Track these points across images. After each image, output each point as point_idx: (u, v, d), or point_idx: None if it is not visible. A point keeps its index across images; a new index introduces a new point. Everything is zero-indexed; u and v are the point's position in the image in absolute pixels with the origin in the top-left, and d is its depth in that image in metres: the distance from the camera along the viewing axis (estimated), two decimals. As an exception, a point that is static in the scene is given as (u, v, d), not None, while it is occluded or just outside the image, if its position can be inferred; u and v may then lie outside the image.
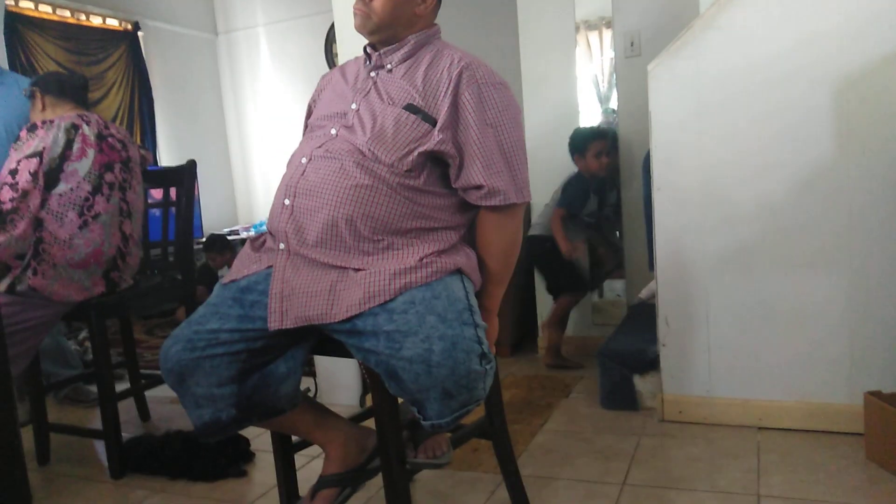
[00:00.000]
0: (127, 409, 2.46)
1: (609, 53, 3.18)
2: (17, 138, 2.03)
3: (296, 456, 1.62)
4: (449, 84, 1.36)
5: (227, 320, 1.36)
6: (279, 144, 5.78)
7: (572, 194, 2.84)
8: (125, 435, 2.13)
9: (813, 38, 1.91)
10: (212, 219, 5.55)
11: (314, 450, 1.68)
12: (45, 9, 4.65)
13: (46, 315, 1.97)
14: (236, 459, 2.06)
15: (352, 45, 2.25)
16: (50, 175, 1.94)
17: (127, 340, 2.50)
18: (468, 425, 1.60)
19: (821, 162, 1.94)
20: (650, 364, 2.26)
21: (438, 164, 1.39)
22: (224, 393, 1.36)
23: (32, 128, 2.03)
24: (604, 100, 4.30)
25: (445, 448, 1.53)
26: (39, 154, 1.93)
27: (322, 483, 1.52)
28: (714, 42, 2.02)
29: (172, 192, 2.43)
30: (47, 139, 1.96)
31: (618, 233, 3.09)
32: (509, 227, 1.43)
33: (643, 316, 2.53)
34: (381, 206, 1.34)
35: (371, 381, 1.35)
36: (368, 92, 1.44)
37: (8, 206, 1.89)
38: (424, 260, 1.32)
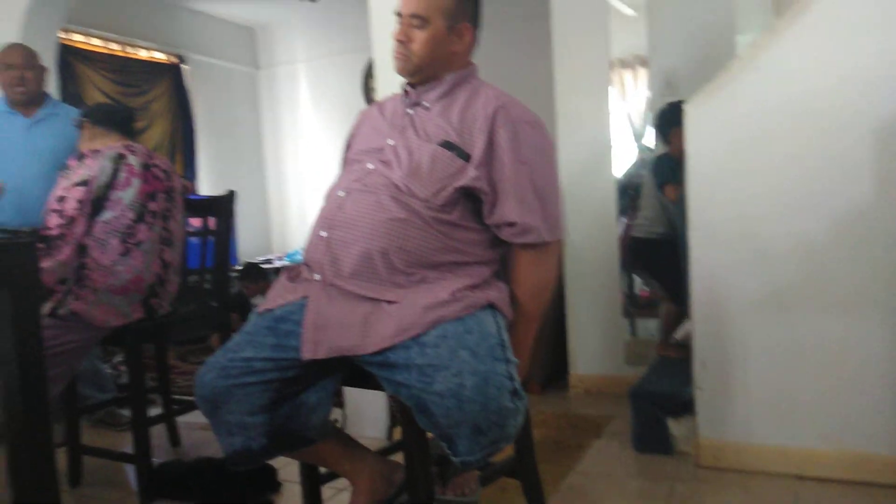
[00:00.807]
0: (158, 434, 2.48)
1: (643, 91, 3.19)
2: (66, 167, 2.10)
3: (323, 488, 1.61)
4: (484, 122, 1.38)
5: (261, 349, 1.37)
6: (314, 176, 5.88)
7: (670, 169, 2.67)
8: (155, 460, 2.15)
9: (851, 79, 1.90)
10: (247, 247, 5.65)
11: (341, 482, 1.67)
12: (95, 42, 4.85)
13: (86, 339, 2.01)
14: (264, 489, 2.06)
15: (389, 81, 2.30)
16: (96, 203, 2.00)
17: (161, 366, 2.53)
18: (497, 463, 1.58)
19: (859, 201, 1.90)
20: (685, 406, 2.21)
21: (472, 200, 1.41)
22: (256, 422, 1.37)
23: (81, 157, 2.10)
24: (638, 137, 4.31)
25: (474, 486, 1.51)
26: (87, 182, 2.00)
27: (349, 516, 1.51)
28: (751, 81, 2.01)
29: (210, 220, 2.48)
30: (94, 168, 2.03)
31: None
32: (543, 264, 1.43)
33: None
34: (416, 240, 1.35)
35: (402, 414, 1.34)
36: (405, 128, 1.47)
37: (55, 232, 1.95)
38: (457, 294, 1.32)
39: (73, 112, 2.57)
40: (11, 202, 2.50)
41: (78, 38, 4.71)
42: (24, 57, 2.64)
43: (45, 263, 1.92)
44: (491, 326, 1.31)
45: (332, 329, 1.33)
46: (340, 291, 1.36)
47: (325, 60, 5.91)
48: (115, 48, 5.00)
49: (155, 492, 2.08)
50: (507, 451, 1.42)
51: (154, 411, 2.48)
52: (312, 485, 1.59)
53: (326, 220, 1.42)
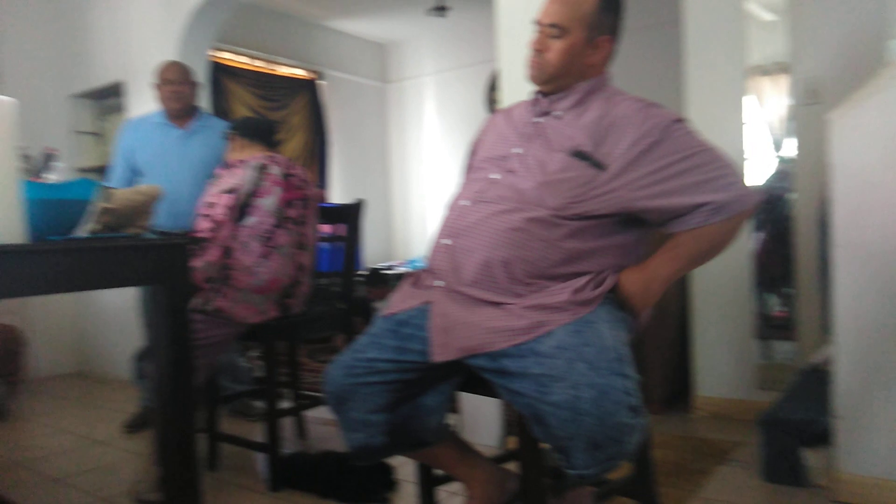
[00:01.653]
0: (287, 426, 2.63)
1: (784, 99, 3.01)
2: (215, 175, 2.30)
3: (437, 490, 1.65)
4: (631, 128, 1.37)
5: (384, 350, 1.43)
6: (436, 186, 6.02)
7: None
8: (284, 450, 2.29)
9: None
10: (370, 253, 5.87)
11: (455, 486, 1.70)
12: (242, 59, 5.25)
13: (227, 333, 2.18)
14: (382, 486, 2.13)
15: (515, 91, 2.32)
16: (241, 209, 2.17)
17: (292, 362, 2.69)
18: (614, 481, 1.55)
19: None
20: (821, 436, 2.05)
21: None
22: (377, 420, 1.43)
23: (228, 166, 2.29)
24: (777, 147, 4.05)
25: (588, 502, 1.49)
26: (233, 190, 2.17)
27: (463, 520, 1.54)
28: (908, 89, 1.85)
29: (340, 227, 2.61)
30: (240, 177, 2.20)
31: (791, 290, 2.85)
32: (735, 230, 1.39)
33: (815, 382, 2.31)
34: (537, 251, 1.36)
35: (519, 423, 1.35)
36: (534, 137, 1.47)
37: (205, 234, 2.14)
38: (578, 295, 1.32)
39: (222, 125, 2.78)
40: (166, 207, 2.73)
41: (227, 56, 5.12)
42: (180, 73, 2.90)
43: (195, 263, 2.11)
44: (609, 340, 1.29)
45: (459, 331, 1.35)
46: (462, 297, 1.39)
47: (450, 73, 6.05)
48: (259, 65, 5.39)
49: (282, 480, 2.22)
50: (623, 470, 1.39)
51: (284, 405, 2.63)
52: (428, 486, 1.63)
53: (450, 228, 1.46)
